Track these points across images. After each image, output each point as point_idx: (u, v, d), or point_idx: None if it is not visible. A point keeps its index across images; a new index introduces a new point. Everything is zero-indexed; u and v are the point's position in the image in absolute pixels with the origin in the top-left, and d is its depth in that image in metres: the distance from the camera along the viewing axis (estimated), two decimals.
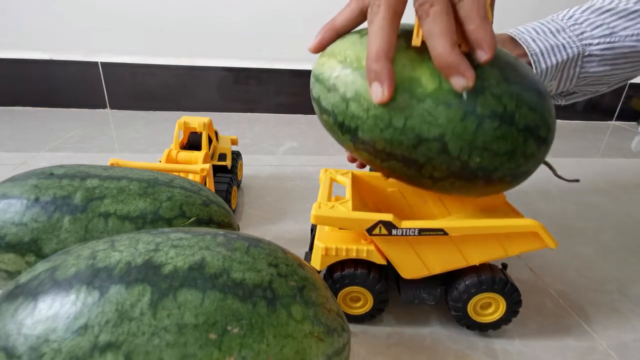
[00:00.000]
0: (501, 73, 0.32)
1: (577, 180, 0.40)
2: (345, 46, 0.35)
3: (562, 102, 0.58)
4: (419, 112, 0.32)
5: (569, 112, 1.24)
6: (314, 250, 0.38)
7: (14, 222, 0.32)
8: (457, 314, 0.39)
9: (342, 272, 0.38)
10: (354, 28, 0.38)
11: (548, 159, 0.38)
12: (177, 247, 0.24)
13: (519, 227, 0.35)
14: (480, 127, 0.32)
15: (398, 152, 0.34)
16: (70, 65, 1.02)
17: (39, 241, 0.32)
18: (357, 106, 0.34)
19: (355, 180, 0.45)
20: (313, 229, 0.47)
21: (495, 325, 0.39)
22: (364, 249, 0.37)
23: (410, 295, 0.39)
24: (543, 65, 0.51)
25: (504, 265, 0.40)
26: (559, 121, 1.23)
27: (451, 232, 0.35)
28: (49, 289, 0.22)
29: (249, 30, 1.04)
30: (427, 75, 0.32)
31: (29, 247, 0.32)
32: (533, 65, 0.51)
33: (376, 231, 0.35)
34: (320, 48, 0.38)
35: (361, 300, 0.39)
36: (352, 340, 0.38)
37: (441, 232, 0.35)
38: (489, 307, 0.39)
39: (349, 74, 0.34)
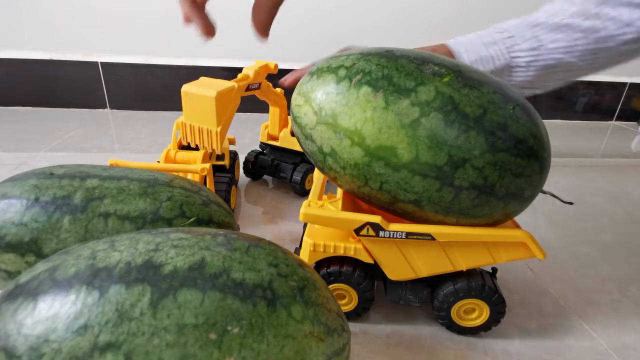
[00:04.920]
0: (487, 140, 0.31)
1: (572, 203, 0.40)
2: (321, 90, 0.34)
3: None
4: (394, 179, 0.32)
5: (569, 112, 1.24)
6: (302, 246, 0.38)
7: (14, 222, 0.32)
8: (440, 314, 0.39)
9: (327, 269, 0.38)
10: None
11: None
12: (177, 247, 0.24)
13: (507, 237, 0.35)
14: (457, 197, 0.32)
15: (376, 203, 0.36)
16: (70, 65, 1.02)
17: (39, 241, 0.32)
18: (333, 162, 0.35)
19: None
20: (305, 225, 0.47)
21: (474, 331, 0.39)
22: (352, 247, 0.37)
23: (396, 296, 0.39)
24: None
25: (494, 270, 0.40)
26: (559, 121, 1.23)
27: (439, 238, 0.35)
28: (49, 289, 0.22)
29: (249, 30, 1.04)
30: (403, 145, 0.31)
31: (29, 247, 0.32)
32: None
33: (364, 232, 0.35)
34: None
35: (346, 297, 0.39)
36: (352, 340, 0.38)
37: (428, 236, 0.35)
38: (473, 312, 0.39)
39: (324, 130, 0.34)
